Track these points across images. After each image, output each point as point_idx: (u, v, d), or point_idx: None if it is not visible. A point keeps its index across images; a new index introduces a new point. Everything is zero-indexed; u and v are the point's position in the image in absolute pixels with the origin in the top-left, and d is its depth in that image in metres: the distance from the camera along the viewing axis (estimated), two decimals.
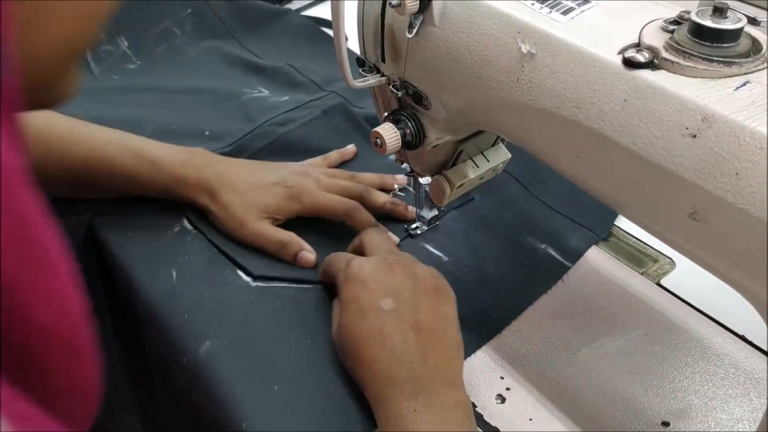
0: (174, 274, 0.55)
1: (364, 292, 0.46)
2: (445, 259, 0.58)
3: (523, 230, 0.60)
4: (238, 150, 0.68)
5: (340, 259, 0.51)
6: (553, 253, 0.58)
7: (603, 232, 0.60)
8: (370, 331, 0.44)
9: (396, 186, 0.62)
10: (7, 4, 0.24)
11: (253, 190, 0.57)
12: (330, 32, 0.89)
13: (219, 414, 0.45)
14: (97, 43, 0.85)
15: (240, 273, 0.56)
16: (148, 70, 0.84)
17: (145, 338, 0.54)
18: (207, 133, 0.72)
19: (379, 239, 0.52)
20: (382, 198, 0.60)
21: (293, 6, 0.96)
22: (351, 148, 0.67)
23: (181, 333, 0.50)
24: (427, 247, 0.59)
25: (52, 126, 0.55)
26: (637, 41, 0.32)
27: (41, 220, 0.25)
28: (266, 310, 0.52)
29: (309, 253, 0.55)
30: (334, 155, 0.66)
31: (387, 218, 0.61)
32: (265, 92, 0.79)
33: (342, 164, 0.67)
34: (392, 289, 0.46)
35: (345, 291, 0.47)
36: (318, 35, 0.90)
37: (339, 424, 0.45)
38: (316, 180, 0.58)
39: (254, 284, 0.55)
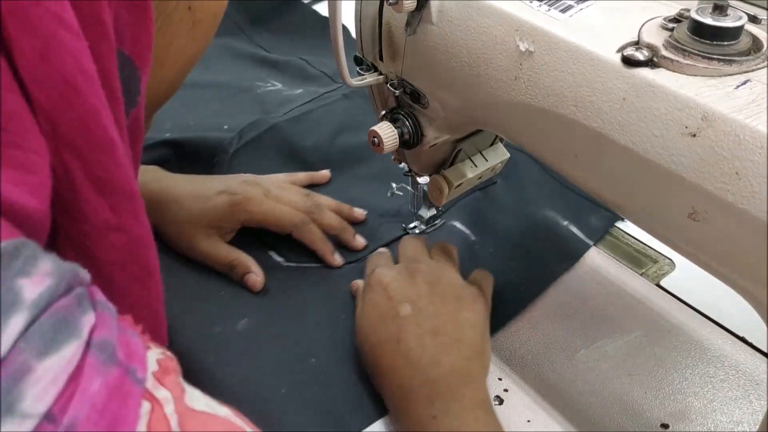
0: None
1: (384, 298, 0.46)
2: (473, 238, 0.60)
3: (545, 209, 0.62)
4: (266, 135, 0.69)
5: (371, 262, 0.51)
6: (574, 230, 0.59)
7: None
8: (387, 338, 0.44)
9: (394, 185, 0.61)
10: (149, 52, 0.29)
11: (197, 201, 0.55)
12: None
13: (251, 385, 0.47)
14: None
15: (271, 253, 0.57)
16: None
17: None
18: (225, 126, 0.71)
19: (411, 246, 0.52)
20: (332, 219, 0.57)
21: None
22: (324, 173, 0.65)
23: (214, 306, 0.52)
24: (456, 224, 0.61)
25: None
26: (636, 39, 0.32)
27: (152, 243, 0.30)
28: (301, 287, 0.54)
29: (256, 275, 0.54)
30: (302, 176, 0.63)
31: (384, 216, 0.61)
32: (278, 85, 0.80)
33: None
34: (411, 296, 0.46)
35: (366, 297, 0.47)
36: (327, 28, 0.90)
37: (377, 392, 0.46)
38: (265, 190, 0.57)
39: (286, 264, 0.56)
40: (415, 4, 0.38)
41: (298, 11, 0.92)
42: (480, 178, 0.51)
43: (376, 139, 0.46)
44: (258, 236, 0.57)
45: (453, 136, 0.47)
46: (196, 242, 0.54)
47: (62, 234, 0.26)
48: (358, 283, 0.53)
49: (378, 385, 0.45)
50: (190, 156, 0.65)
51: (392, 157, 0.54)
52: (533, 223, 0.61)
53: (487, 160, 0.51)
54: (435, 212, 0.59)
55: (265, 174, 0.61)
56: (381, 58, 0.44)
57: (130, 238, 0.28)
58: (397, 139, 0.46)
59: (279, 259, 0.57)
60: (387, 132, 0.45)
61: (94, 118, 0.24)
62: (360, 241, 0.58)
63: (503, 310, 0.52)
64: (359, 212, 0.61)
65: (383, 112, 0.48)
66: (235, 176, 0.60)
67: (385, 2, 0.41)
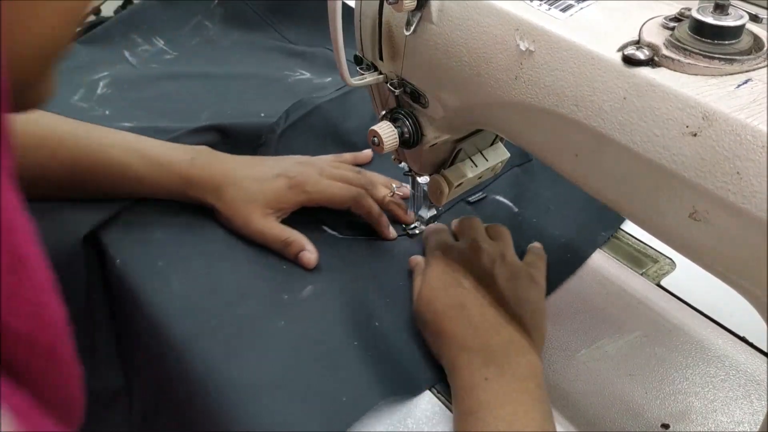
0: None
1: (449, 270, 0.49)
2: (516, 210, 0.62)
3: None
4: (310, 116, 0.69)
5: (432, 238, 0.53)
6: None
7: None
8: (451, 304, 0.47)
9: (394, 186, 0.62)
10: None
11: (256, 183, 0.57)
12: None
13: (325, 344, 0.49)
14: (134, 44, 0.88)
15: (325, 227, 0.59)
16: (185, 60, 0.85)
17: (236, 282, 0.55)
18: (262, 114, 0.72)
19: (471, 225, 0.54)
20: (385, 193, 0.60)
21: None
22: (367, 152, 0.67)
23: (279, 276, 0.54)
24: (498, 198, 0.63)
25: (53, 129, 0.54)
26: (637, 38, 0.32)
27: (22, 225, 0.25)
28: (359, 257, 0.56)
29: (310, 253, 0.55)
30: (348, 156, 0.65)
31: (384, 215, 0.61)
32: (307, 75, 0.81)
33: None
34: (475, 270, 0.48)
35: (430, 268, 0.49)
36: (349, 16, 0.90)
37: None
38: (319, 170, 0.58)
39: (341, 236, 0.59)
40: (415, 3, 0.38)
41: (318, 1, 0.92)
42: (480, 177, 0.51)
43: (376, 139, 0.46)
44: (310, 212, 0.58)
45: (453, 135, 0.47)
46: (252, 221, 0.55)
47: None
48: (417, 258, 0.55)
49: (437, 348, 0.47)
50: (237, 139, 0.66)
51: (392, 156, 0.53)
52: (572, 194, 0.62)
53: (487, 160, 0.51)
54: (435, 212, 0.59)
55: (312, 155, 0.63)
56: (381, 58, 0.44)
57: None
58: (397, 139, 0.46)
59: (333, 232, 0.59)
60: (387, 132, 0.45)
61: None
62: (411, 215, 0.60)
63: (555, 276, 0.55)
64: (408, 189, 0.62)
65: (383, 112, 0.48)
66: (288, 158, 0.61)
67: (385, 2, 0.41)
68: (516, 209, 0.63)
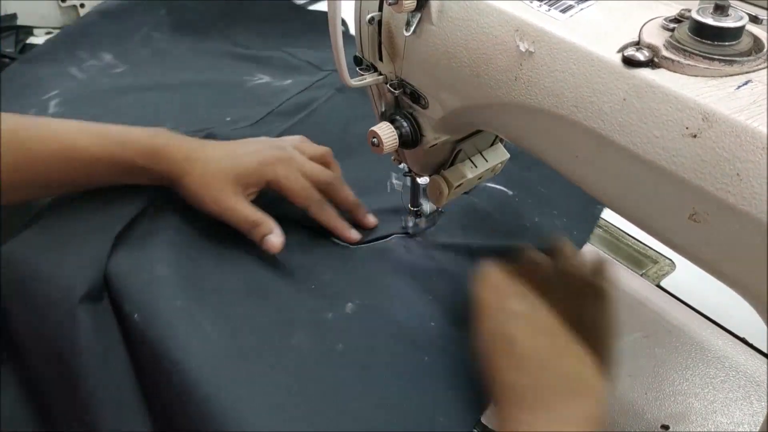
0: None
1: (494, 294, 0.44)
2: (510, 193, 0.63)
3: None
4: (260, 130, 0.67)
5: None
6: None
7: None
8: (498, 334, 0.42)
9: (395, 182, 0.61)
10: None
11: (227, 158, 0.54)
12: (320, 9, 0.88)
13: (390, 348, 0.48)
14: (79, 60, 0.84)
15: (335, 239, 0.57)
16: (137, 73, 0.83)
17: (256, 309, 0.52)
18: (228, 118, 0.71)
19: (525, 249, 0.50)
20: (349, 195, 0.58)
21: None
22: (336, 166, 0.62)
23: (318, 296, 0.52)
24: (488, 184, 0.63)
25: (11, 126, 0.50)
26: (636, 39, 0.32)
27: None
28: (385, 268, 0.55)
29: (276, 237, 0.53)
30: (314, 148, 0.61)
31: (388, 212, 0.60)
32: (266, 78, 0.79)
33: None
34: (525, 291, 0.44)
35: (477, 295, 0.45)
36: (302, 16, 0.89)
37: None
38: (290, 158, 0.56)
39: (354, 246, 0.57)
40: (415, 3, 0.38)
41: (268, 3, 0.90)
42: (480, 178, 0.51)
43: (375, 140, 0.45)
44: (311, 227, 0.57)
45: (453, 136, 0.47)
46: (223, 198, 0.53)
47: None
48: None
49: (487, 380, 0.42)
50: None
51: (392, 157, 0.53)
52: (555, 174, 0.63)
53: (487, 161, 0.51)
54: (435, 208, 0.59)
55: None
56: (380, 58, 0.44)
57: None
58: (397, 140, 0.46)
59: (344, 243, 0.57)
60: (386, 132, 0.45)
61: None
62: (371, 219, 0.59)
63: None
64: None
65: (383, 113, 0.48)
66: (260, 139, 0.58)
67: (384, 2, 0.41)
68: (510, 192, 0.63)
